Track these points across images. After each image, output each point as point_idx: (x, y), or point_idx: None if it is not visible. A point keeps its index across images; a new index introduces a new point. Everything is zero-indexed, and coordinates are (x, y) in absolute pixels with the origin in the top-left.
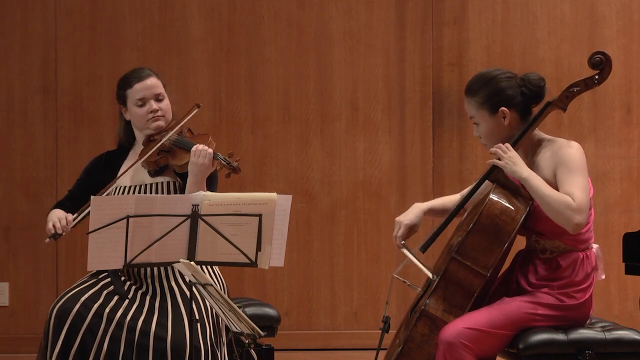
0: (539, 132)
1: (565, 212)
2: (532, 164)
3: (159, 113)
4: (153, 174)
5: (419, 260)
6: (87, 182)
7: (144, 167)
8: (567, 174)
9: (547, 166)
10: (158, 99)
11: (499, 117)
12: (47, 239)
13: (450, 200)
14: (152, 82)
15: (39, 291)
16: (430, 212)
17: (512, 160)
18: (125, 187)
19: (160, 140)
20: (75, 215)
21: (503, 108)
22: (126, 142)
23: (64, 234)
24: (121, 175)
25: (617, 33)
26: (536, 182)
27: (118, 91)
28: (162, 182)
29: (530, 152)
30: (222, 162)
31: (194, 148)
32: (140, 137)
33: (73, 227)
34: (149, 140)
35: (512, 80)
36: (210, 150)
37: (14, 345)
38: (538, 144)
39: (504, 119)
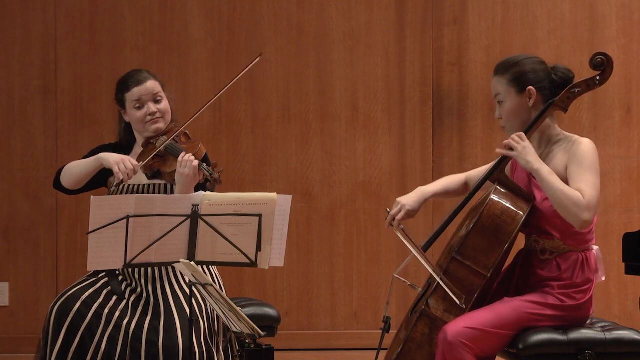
0: (555, 127)
1: (574, 209)
2: (545, 157)
3: (157, 115)
4: (150, 176)
5: (414, 247)
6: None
7: (140, 170)
8: (578, 170)
9: (560, 160)
10: (156, 99)
11: (525, 97)
12: (113, 187)
13: (451, 181)
14: (150, 85)
15: (39, 291)
16: (434, 196)
17: (526, 151)
18: (123, 185)
19: (157, 147)
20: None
21: (531, 87)
22: (126, 142)
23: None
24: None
25: (617, 33)
26: (547, 174)
27: (117, 94)
28: (159, 185)
29: (544, 145)
30: (206, 172)
31: (180, 157)
32: (140, 138)
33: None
34: (147, 143)
35: (543, 65)
36: (196, 163)
37: (14, 345)
38: (553, 138)
39: (530, 99)
